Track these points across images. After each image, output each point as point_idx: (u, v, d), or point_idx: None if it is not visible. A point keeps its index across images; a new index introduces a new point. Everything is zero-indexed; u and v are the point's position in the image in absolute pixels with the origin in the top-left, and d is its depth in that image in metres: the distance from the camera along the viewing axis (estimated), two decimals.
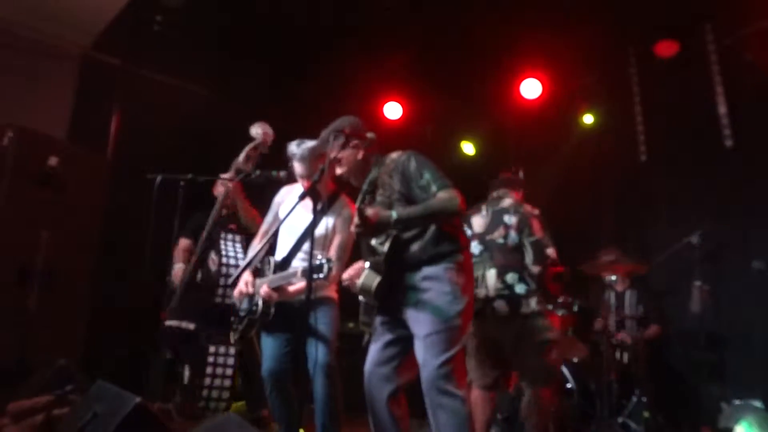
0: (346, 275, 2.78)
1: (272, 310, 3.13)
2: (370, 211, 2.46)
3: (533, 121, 5.98)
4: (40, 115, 4.82)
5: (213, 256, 3.69)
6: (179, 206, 3.55)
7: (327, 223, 3.24)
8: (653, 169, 5.37)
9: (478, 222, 3.68)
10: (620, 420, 4.32)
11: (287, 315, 3.16)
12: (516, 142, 6.31)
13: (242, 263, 3.71)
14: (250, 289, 3.19)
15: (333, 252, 3.20)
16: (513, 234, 3.54)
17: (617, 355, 4.57)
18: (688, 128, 5.08)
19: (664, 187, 5.33)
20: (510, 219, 3.58)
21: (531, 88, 5.85)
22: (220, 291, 3.60)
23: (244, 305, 3.27)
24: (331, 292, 3.30)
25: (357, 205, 2.46)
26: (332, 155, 2.71)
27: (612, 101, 5.63)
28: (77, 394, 2.77)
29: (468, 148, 6.56)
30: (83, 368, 3.95)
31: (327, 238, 3.23)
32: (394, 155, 2.76)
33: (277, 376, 3.19)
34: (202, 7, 4.98)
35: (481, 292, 3.46)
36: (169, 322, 3.59)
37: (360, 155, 2.76)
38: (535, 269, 3.48)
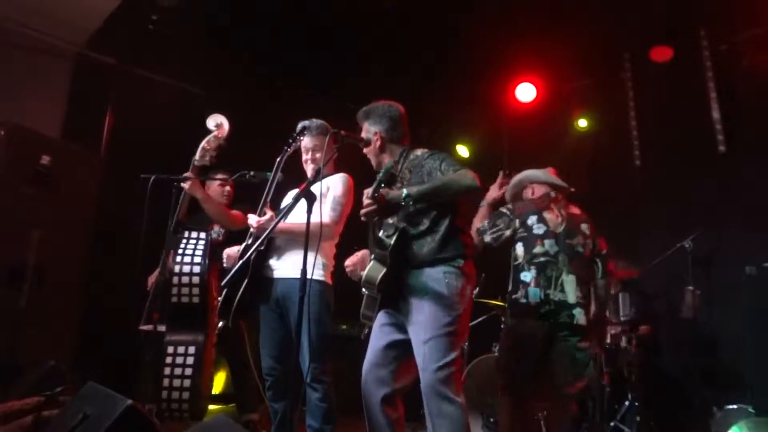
0: (348, 262, 2.77)
1: (264, 242, 2.91)
2: (380, 191, 2.45)
3: (528, 125, 6.00)
4: (34, 113, 4.79)
5: (172, 255, 3.63)
6: (172, 206, 3.52)
7: (321, 186, 3.14)
8: (647, 173, 5.39)
9: (553, 220, 3.48)
10: (612, 424, 4.33)
11: (275, 298, 3.08)
12: (510, 145, 6.32)
13: (198, 260, 3.61)
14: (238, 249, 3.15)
15: (327, 204, 3.13)
16: (590, 243, 3.50)
17: (609, 359, 4.57)
18: (681, 133, 5.11)
19: (658, 191, 5.35)
20: (586, 228, 3.52)
21: (526, 92, 5.87)
22: (174, 290, 3.52)
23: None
24: (324, 276, 3.14)
25: (371, 191, 2.41)
26: (327, 156, 2.75)
27: (606, 106, 5.65)
28: (67, 396, 2.75)
29: (462, 150, 6.56)
30: (74, 369, 3.93)
31: (323, 197, 3.15)
32: (419, 152, 2.78)
33: (277, 374, 3.13)
34: (198, 7, 4.96)
35: (556, 296, 3.30)
36: (142, 327, 3.54)
37: (377, 144, 2.80)
38: (602, 282, 3.49)
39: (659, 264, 4.63)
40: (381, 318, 2.69)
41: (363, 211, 2.44)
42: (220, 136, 3.56)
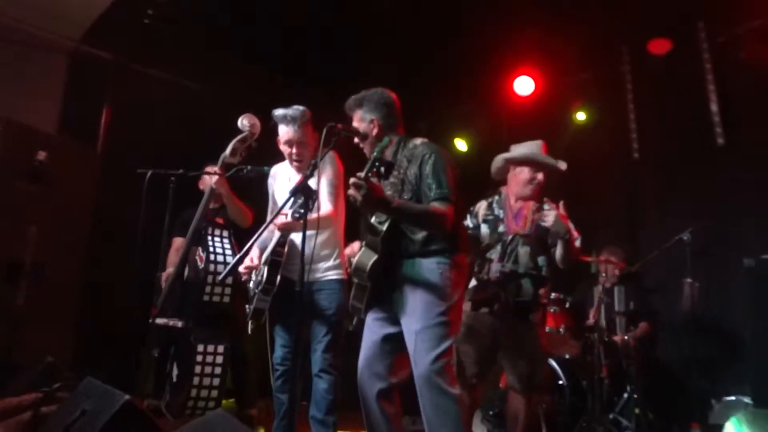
0: (348, 251, 2.77)
1: (278, 278, 3.04)
2: (376, 183, 2.43)
3: (526, 118, 5.98)
4: (30, 108, 4.77)
5: (200, 252, 3.64)
6: (170, 201, 3.51)
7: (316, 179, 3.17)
8: (645, 166, 5.38)
9: None
10: (611, 416, 4.34)
11: (294, 297, 3.08)
12: (509, 138, 6.28)
13: (230, 259, 3.65)
14: (255, 262, 3.14)
15: (323, 191, 3.08)
16: None
17: (609, 352, 4.58)
18: (680, 126, 5.10)
19: (656, 184, 5.34)
20: None
21: (524, 85, 5.86)
22: (207, 289, 3.54)
23: (253, 284, 3.21)
24: (340, 274, 3.20)
25: (363, 174, 2.36)
26: (321, 151, 2.73)
27: (605, 98, 5.63)
28: (65, 392, 2.75)
29: (461, 144, 6.55)
30: (72, 365, 3.93)
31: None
32: (418, 141, 2.76)
33: (288, 364, 3.13)
34: (194, 1, 4.93)
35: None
36: (157, 320, 3.55)
37: (375, 132, 2.75)
38: None
39: (658, 257, 4.63)
40: (374, 312, 2.69)
41: (350, 192, 2.38)
42: (252, 135, 3.53)
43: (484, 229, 3.40)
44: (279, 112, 3.18)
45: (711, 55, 4.87)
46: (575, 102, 5.79)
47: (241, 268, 3.16)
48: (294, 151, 3.15)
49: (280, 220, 2.91)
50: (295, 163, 3.21)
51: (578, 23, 4.94)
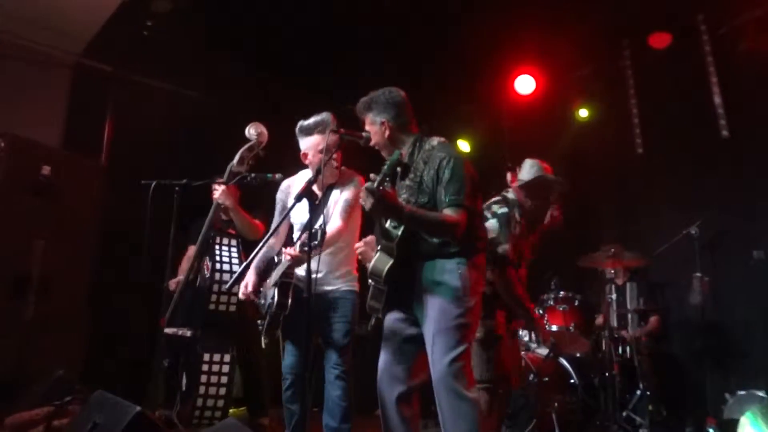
0: (359, 245, 2.76)
1: (289, 301, 3.03)
2: (390, 189, 2.41)
3: (528, 117, 5.98)
4: (34, 123, 4.79)
5: (207, 261, 3.66)
6: (175, 212, 3.51)
7: (336, 195, 3.17)
8: (650, 161, 5.36)
9: None
10: (624, 414, 4.31)
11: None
12: (512, 138, 6.30)
13: (236, 268, 3.66)
14: (250, 288, 3.14)
15: (339, 206, 3.11)
16: None
17: (619, 349, 4.56)
18: (683, 119, 5.07)
19: (662, 178, 5.31)
20: None
21: (525, 84, 5.85)
22: (213, 297, 3.56)
23: (262, 301, 3.21)
24: (353, 285, 3.21)
25: (376, 183, 2.34)
26: (326, 152, 2.73)
27: (607, 94, 5.62)
28: (77, 405, 2.76)
29: (464, 146, 6.54)
30: (83, 377, 3.93)
31: (336, 204, 3.17)
32: (435, 141, 2.73)
33: (298, 372, 3.13)
34: (193, 11, 4.95)
35: None
36: (167, 330, 3.56)
37: (386, 134, 2.71)
38: None
39: (666, 251, 4.61)
40: (394, 314, 2.66)
41: (362, 196, 2.37)
42: (260, 144, 3.53)
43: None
44: (305, 123, 3.14)
45: (712, 47, 4.85)
46: (577, 99, 5.78)
47: (240, 296, 3.18)
48: (335, 156, 3.05)
49: (290, 250, 2.91)
50: (336, 170, 3.14)
51: (577, 20, 4.93)
